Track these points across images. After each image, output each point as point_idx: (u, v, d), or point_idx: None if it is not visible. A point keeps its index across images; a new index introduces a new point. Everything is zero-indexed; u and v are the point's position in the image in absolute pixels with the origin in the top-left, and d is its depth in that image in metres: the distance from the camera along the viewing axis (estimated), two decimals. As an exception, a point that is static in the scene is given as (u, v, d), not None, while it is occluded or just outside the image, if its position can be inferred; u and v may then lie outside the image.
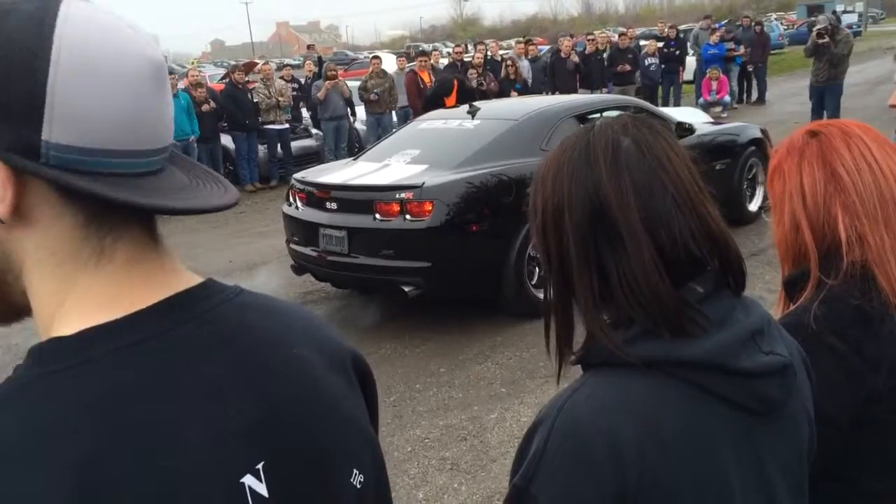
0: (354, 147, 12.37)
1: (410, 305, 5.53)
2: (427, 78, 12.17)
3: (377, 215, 5.26)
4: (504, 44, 24.36)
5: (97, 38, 0.66)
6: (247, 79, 12.23)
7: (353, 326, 5.81)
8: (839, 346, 1.17)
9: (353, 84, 13.07)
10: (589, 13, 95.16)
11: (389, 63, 14.76)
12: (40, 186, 0.66)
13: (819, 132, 1.30)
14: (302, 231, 5.87)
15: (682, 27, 20.40)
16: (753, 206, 7.47)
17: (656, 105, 12.00)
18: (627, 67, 14.28)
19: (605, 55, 14.56)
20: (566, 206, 0.94)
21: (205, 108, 11.03)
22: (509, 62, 13.13)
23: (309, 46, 19.50)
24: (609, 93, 13.31)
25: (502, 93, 12.30)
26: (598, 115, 6.06)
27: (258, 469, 0.69)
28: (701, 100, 14.99)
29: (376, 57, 13.88)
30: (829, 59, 10.55)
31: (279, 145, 11.97)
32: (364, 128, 12.90)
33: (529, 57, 14.19)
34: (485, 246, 5.35)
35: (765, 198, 6.65)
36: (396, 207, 5.19)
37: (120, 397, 0.65)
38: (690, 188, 0.93)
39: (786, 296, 1.34)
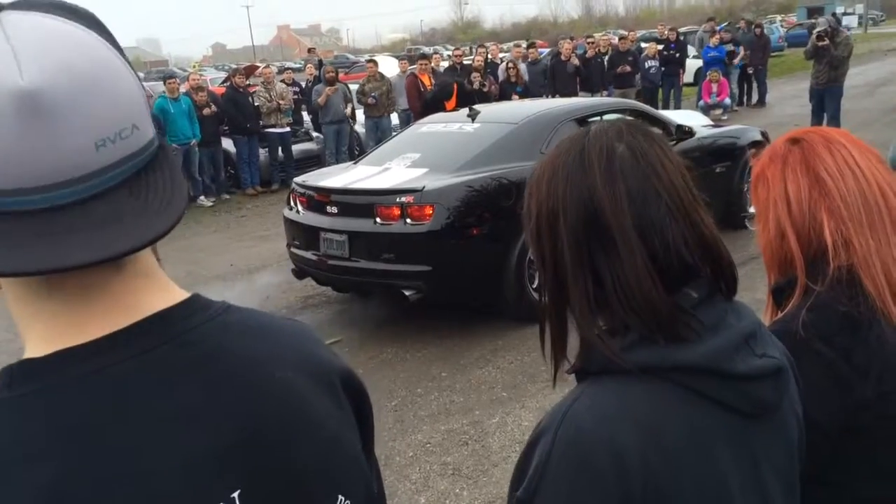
0: (355, 150, 12.37)
1: (411, 309, 5.52)
2: (427, 81, 12.18)
3: (378, 219, 5.26)
4: (504, 46, 24.37)
5: None
6: (248, 82, 12.24)
7: (353, 331, 5.81)
8: (827, 353, 1.17)
9: (354, 87, 13.07)
10: (589, 16, 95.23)
11: (390, 66, 14.77)
12: None
13: (801, 139, 1.31)
14: (303, 235, 5.87)
15: (682, 30, 20.43)
16: (753, 209, 7.46)
17: (656, 108, 12.00)
18: (628, 68, 14.28)
19: (605, 58, 14.57)
20: (561, 210, 0.94)
21: (206, 111, 11.05)
22: (510, 65, 13.13)
23: (310, 50, 19.54)
24: (609, 96, 13.32)
25: (503, 95, 12.30)
26: (597, 118, 6.06)
27: (233, 497, 0.67)
28: (701, 102, 14.99)
29: (372, 61, 13.89)
30: (829, 61, 10.55)
31: (280, 149, 11.98)
32: (364, 131, 12.91)
33: (529, 60, 14.20)
34: (485, 250, 5.34)
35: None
36: (397, 211, 5.19)
37: (86, 423, 0.64)
38: (684, 195, 0.94)
39: (773, 303, 1.33)
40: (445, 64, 14.95)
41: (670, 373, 0.89)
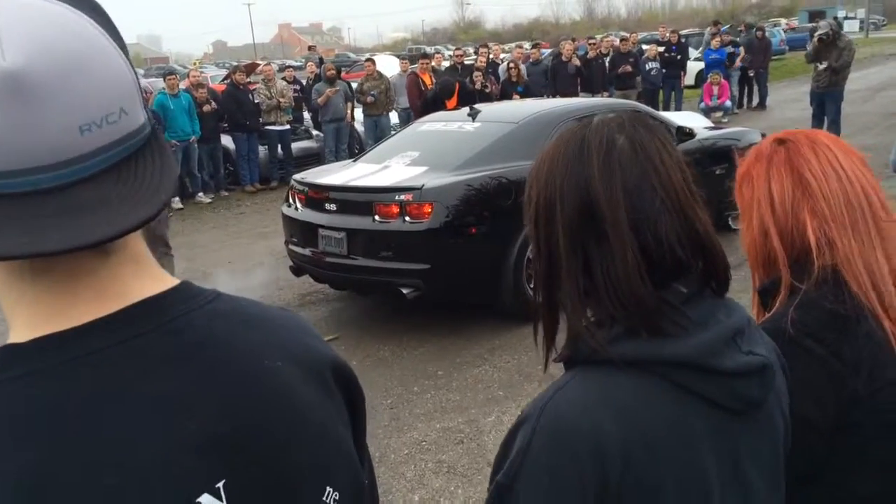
0: (355, 149, 12.37)
1: (408, 308, 5.51)
2: (428, 80, 12.19)
3: (376, 217, 5.26)
4: (506, 47, 24.40)
5: None
6: (248, 80, 12.23)
7: (350, 328, 5.81)
8: (817, 350, 1.18)
9: (354, 86, 13.08)
10: (591, 17, 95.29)
11: (391, 65, 14.77)
12: None
13: (786, 140, 1.31)
14: (301, 232, 5.87)
15: (683, 32, 20.45)
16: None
17: (657, 109, 12.00)
18: (629, 68, 14.29)
19: (606, 59, 14.58)
20: (558, 199, 0.95)
21: (206, 108, 11.03)
22: (512, 65, 13.14)
23: (310, 47, 19.56)
24: (610, 97, 13.32)
25: (504, 95, 12.30)
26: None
27: (218, 488, 0.66)
28: (702, 104, 15.00)
29: (370, 60, 13.91)
30: (831, 65, 10.55)
31: (280, 146, 11.97)
32: (363, 129, 12.91)
33: (531, 60, 14.22)
34: (484, 248, 5.34)
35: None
36: (396, 209, 5.18)
37: (67, 409, 0.63)
38: (681, 191, 0.94)
39: (760, 303, 1.34)
40: (447, 63, 14.97)
41: (656, 366, 0.90)
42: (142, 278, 0.72)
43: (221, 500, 0.67)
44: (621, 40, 15.66)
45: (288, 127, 12.07)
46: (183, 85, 11.30)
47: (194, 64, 19.50)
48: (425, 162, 5.70)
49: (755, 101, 17.07)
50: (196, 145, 10.91)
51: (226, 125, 11.62)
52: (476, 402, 4.44)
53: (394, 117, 12.85)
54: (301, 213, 5.86)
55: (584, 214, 0.93)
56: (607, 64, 14.52)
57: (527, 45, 16.88)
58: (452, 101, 10.06)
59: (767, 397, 0.98)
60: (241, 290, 6.83)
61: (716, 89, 15.04)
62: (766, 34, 18.09)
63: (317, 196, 5.71)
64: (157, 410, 0.66)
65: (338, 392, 0.80)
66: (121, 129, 0.67)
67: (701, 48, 17.64)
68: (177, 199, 10.92)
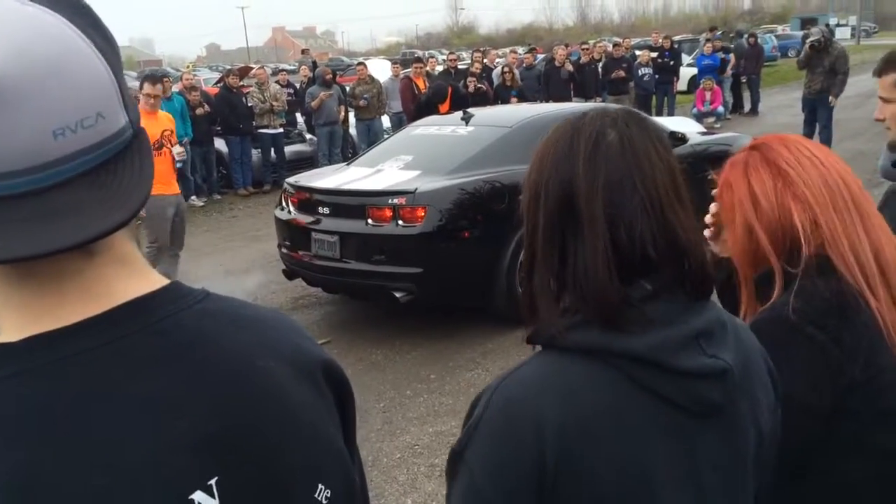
0: (348, 152, 12.37)
1: (401, 311, 5.51)
2: (422, 84, 12.20)
3: (369, 220, 5.25)
4: (500, 52, 24.47)
5: None
6: (241, 83, 12.21)
7: (343, 332, 5.80)
8: (819, 337, 1.21)
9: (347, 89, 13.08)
10: (584, 23, 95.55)
11: (383, 69, 14.79)
12: None
13: (758, 144, 1.37)
14: (294, 235, 5.86)
15: (676, 38, 20.54)
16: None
17: (650, 114, 12.04)
18: (622, 73, 14.35)
19: (599, 65, 14.63)
20: (543, 189, 0.98)
21: (199, 111, 11.01)
22: (506, 69, 13.17)
23: (303, 51, 19.52)
24: (604, 102, 13.36)
25: (499, 99, 12.31)
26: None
27: (210, 485, 0.66)
28: (694, 110, 15.05)
29: (361, 63, 13.93)
30: (822, 71, 10.62)
31: (273, 150, 11.96)
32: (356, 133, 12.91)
33: (525, 65, 14.25)
34: (477, 252, 5.34)
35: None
36: (389, 213, 5.18)
37: (56, 409, 0.63)
38: (663, 192, 0.94)
39: (756, 295, 1.36)
40: (441, 68, 14.99)
41: (611, 357, 0.92)
42: (129, 279, 0.71)
43: (214, 498, 0.67)
44: (614, 45, 15.72)
45: (281, 130, 12.06)
46: (176, 88, 11.28)
47: (187, 67, 19.44)
48: (419, 166, 5.70)
49: (747, 106, 17.14)
50: (189, 148, 10.88)
51: (219, 128, 11.60)
52: (469, 406, 4.43)
53: (386, 121, 12.85)
54: (294, 216, 5.85)
55: (564, 205, 0.95)
56: (600, 69, 14.57)
57: (521, 49, 16.95)
58: (445, 106, 10.07)
59: (734, 403, 0.97)
60: (232, 293, 6.73)
61: (708, 95, 15.10)
62: (759, 41, 18.18)
63: (310, 199, 5.70)
64: (147, 410, 0.65)
65: (328, 392, 0.80)
66: (97, 134, 0.66)
67: (694, 54, 17.76)
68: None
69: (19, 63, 0.61)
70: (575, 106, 8.14)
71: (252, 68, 14.30)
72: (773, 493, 1.08)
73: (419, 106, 10.57)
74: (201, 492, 0.66)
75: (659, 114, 14.65)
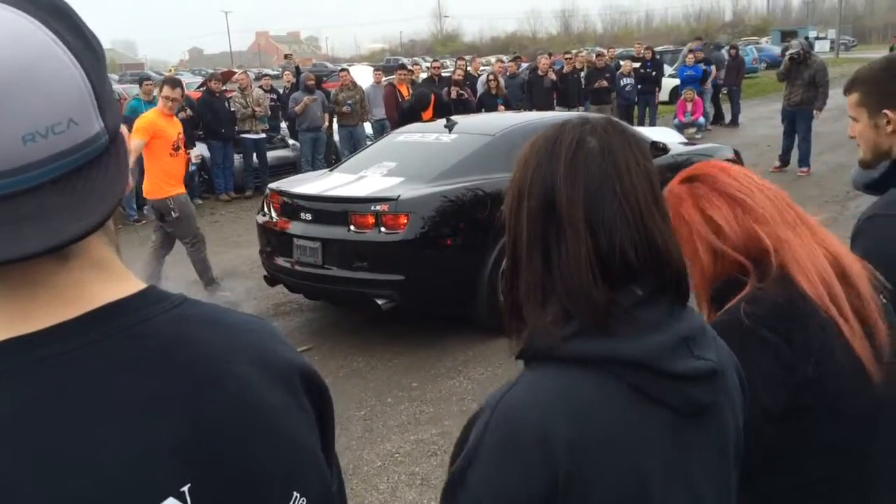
0: (332, 158, 12.34)
1: (383, 319, 5.49)
2: (405, 91, 12.20)
3: (352, 227, 5.24)
4: (483, 60, 24.57)
5: None
6: (224, 87, 12.15)
7: (324, 339, 5.77)
8: (772, 339, 1.26)
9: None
10: (567, 32, 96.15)
11: (367, 76, 14.79)
12: None
13: (695, 176, 1.43)
14: (276, 241, 5.83)
15: (658, 49, 20.73)
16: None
17: (632, 125, 12.12)
18: (604, 83, 14.44)
19: (582, 74, 14.71)
20: (526, 193, 0.99)
21: (181, 115, 10.93)
22: (491, 77, 13.20)
23: (286, 56, 19.47)
24: (586, 111, 13.43)
25: (485, 107, 12.30)
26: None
27: (183, 492, 0.66)
28: (676, 120, 15.17)
29: (344, 70, 13.94)
30: (802, 83, 10.75)
31: (255, 155, 11.90)
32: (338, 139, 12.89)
33: (508, 74, 14.30)
34: (459, 260, 5.34)
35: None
36: (371, 219, 5.18)
37: (28, 413, 0.62)
38: (643, 200, 0.96)
39: (712, 307, 1.42)
40: (424, 75, 15.01)
41: (608, 364, 0.92)
42: (105, 283, 0.71)
43: None
44: (597, 56, 15.81)
45: (263, 135, 12.00)
46: (158, 91, 11.20)
47: (170, 70, 19.36)
48: (401, 173, 5.70)
49: (728, 118, 17.31)
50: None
51: (201, 133, 11.53)
52: (450, 414, 4.43)
53: (368, 128, 12.84)
54: (276, 222, 5.82)
55: (546, 209, 0.96)
56: (583, 79, 14.65)
57: (505, 58, 17.02)
58: (428, 113, 10.08)
59: (717, 402, 1.00)
60: (213, 298, 6.76)
61: (689, 106, 15.22)
62: (740, 52, 18.37)
63: (292, 205, 5.68)
64: (120, 414, 0.65)
65: (306, 398, 0.80)
66: (69, 140, 0.65)
67: (676, 65, 17.93)
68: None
69: None
70: (557, 115, 8.17)
71: (235, 73, 14.25)
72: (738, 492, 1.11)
73: (402, 113, 10.57)
74: (173, 498, 0.65)
75: (641, 124, 14.75)
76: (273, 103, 12.86)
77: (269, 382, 0.75)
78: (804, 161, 10.98)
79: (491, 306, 5.36)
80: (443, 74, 14.41)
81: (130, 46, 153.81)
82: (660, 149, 6.95)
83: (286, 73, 14.50)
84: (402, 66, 14.41)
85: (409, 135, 6.69)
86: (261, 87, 12.93)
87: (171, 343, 0.70)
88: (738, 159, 7.79)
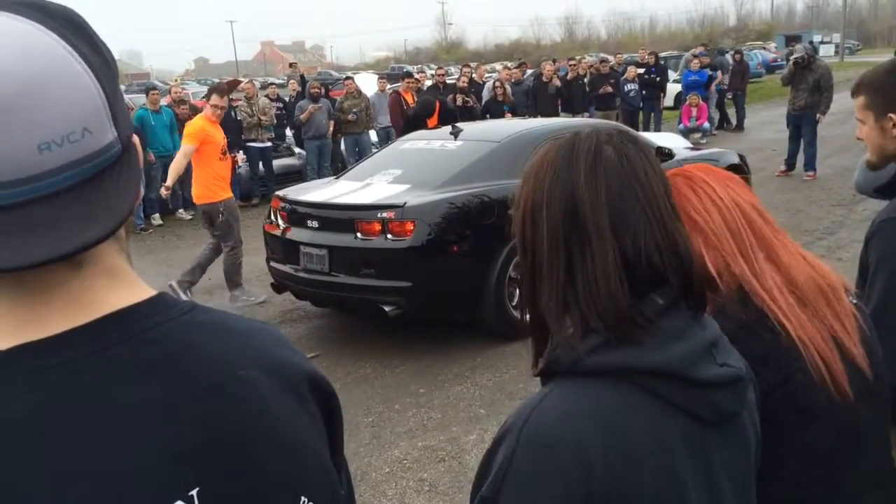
0: (338, 166, 12.36)
1: (390, 326, 5.50)
2: (411, 99, 12.23)
3: (358, 234, 5.26)
4: (488, 67, 24.62)
5: None
6: (230, 96, 12.19)
7: (332, 346, 5.78)
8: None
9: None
10: (571, 39, 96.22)
11: (372, 83, 14.84)
12: None
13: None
14: (283, 249, 5.85)
15: (662, 54, 20.74)
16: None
17: (637, 130, 12.12)
18: (609, 89, 14.44)
19: (586, 80, 14.72)
20: (545, 201, 0.98)
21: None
22: (497, 84, 13.21)
23: (291, 64, 19.50)
24: (591, 117, 13.43)
25: (492, 114, 12.32)
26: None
27: (192, 495, 0.66)
28: (681, 126, 15.17)
29: (349, 78, 13.97)
30: (806, 87, 10.74)
31: (261, 163, 11.94)
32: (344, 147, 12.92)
33: (513, 80, 14.33)
34: (465, 267, 5.35)
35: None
36: (378, 227, 5.19)
37: (42, 417, 0.63)
38: (662, 204, 0.96)
39: None
40: (429, 83, 15.04)
41: (634, 375, 0.92)
42: (116, 290, 0.72)
43: None
44: (601, 62, 15.82)
45: (269, 144, 12.04)
46: (164, 101, 11.27)
47: (175, 80, 19.44)
48: (408, 180, 5.72)
49: (733, 122, 17.30)
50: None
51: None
52: (458, 420, 4.44)
53: (373, 135, 12.87)
54: (283, 230, 5.85)
55: (568, 217, 0.96)
56: (587, 84, 14.66)
57: (511, 64, 17.07)
58: (433, 120, 10.11)
59: (741, 409, 1.00)
60: (220, 307, 6.78)
61: (694, 111, 15.22)
62: (744, 58, 18.37)
63: (299, 213, 5.71)
64: (130, 419, 0.66)
65: (314, 404, 0.80)
66: (83, 149, 0.67)
67: (680, 70, 17.95)
68: (157, 215, 10.86)
69: (5, 79, 0.62)
70: (563, 121, 8.19)
71: (240, 82, 14.30)
72: None
73: (407, 120, 10.60)
74: (182, 502, 0.66)
75: (645, 129, 14.74)
76: (279, 112, 12.91)
77: (278, 388, 0.76)
78: (810, 165, 10.97)
79: (498, 312, 5.37)
80: (447, 81, 14.44)
81: (136, 57, 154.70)
82: (665, 154, 6.95)
83: (291, 81, 14.53)
84: (409, 75, 14.39)
85: (415, 142, 6.71)
86: (267, 95, 12.98)
87: (180, 349, 0.71)
88: (743, 164, 7.78)
